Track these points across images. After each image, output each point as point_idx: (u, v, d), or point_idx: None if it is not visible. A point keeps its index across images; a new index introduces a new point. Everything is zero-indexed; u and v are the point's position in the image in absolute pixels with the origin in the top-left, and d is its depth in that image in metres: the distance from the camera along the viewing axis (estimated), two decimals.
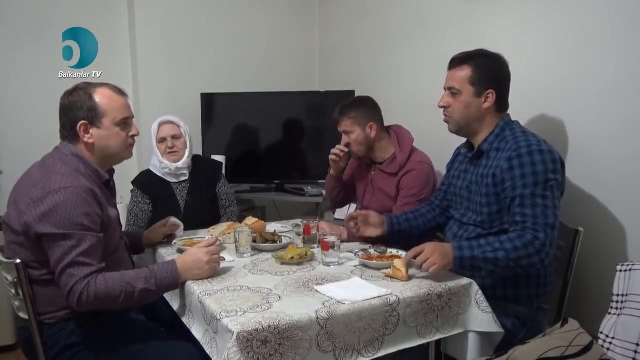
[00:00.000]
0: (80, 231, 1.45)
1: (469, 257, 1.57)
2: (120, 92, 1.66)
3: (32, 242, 1.48)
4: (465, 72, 1.72)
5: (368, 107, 2.27)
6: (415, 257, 1.56)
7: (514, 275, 1.70)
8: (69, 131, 1.60)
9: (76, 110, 1.58)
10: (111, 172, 1.73)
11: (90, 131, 1.59)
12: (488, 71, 1.72)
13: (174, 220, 2.07)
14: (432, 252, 1.54)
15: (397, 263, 1.59)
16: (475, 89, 1.72)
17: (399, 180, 2.20)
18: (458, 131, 1.81)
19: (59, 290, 1.46)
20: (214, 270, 1.62)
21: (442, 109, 1.81)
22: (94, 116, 1.58)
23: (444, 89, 1.80)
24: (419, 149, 2.28)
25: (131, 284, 1.48)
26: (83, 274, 1.43)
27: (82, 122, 1.58)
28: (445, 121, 1.81)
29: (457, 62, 1.75)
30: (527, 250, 1.55)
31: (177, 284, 1.58)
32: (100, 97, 1.60)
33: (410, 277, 1.56)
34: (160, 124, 2.44)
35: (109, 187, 1.70)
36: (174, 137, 2.42)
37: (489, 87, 1.71)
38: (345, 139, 2.27)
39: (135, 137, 1.70)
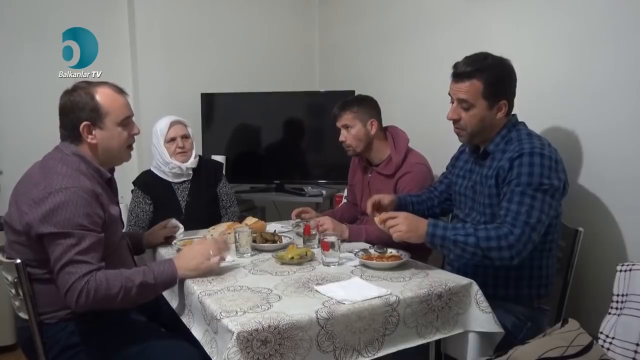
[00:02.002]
0: (80, 231, 1.45)
1: (440, 236, 1.60)
2: (121, 91, 1.66)
3: (34, 242, 1.48)
4: (476, 86, 1.65)
5: (370, 104, 2.27)
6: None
7: (516, 276, 1.70)
8: (70, 132, 1.60)
9: (78, 111, 1.57)
10: (112, 170, 1.73)
11: (94, 132, 1.59)
12: (500, 82, 1.67)
13: (174, 222, 2.08)
14: (403, 221, 1.62)
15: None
16: (488, 102, 1.67)
17: (396, 182, 2.19)
18: (470, 141, 1.79)
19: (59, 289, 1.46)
20: (210, 262, 1.61)
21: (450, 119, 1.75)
22: (96, 117, 1.58)
23: (451, 98, 1.73)
24: (415, 149, 2.27)
25: (130, 279, 1.48)
26: (82, 271, 1.42)
27: (85, 123, 1.58)
28: (457, 133, 1.77)
29: (465, 75, 1.66)
30: (498, 242, 1.55)
31: (176, 277, 1.57)
32: (102, 97, 1.59)
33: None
34: (171, 124, 2.43)
35: (110, 186, 1.70)
36: (183, 137, 2.42)
37: (501, 98, 1.68)
38: (343, 134, 2.27)
39: (135, 137, 1.70)
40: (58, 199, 1.44)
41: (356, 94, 2.80)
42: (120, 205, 2.86)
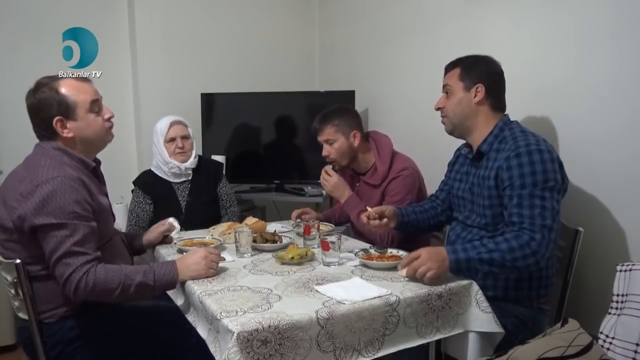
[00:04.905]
0: (72, 220, 1.45)
1: (465, 259, 1.53)
2: (84, 79, 1.67)
3: (26, 238, 1.48)
4: (456, 72, 1.78)
5: (351, 116, 2.24)
6: (410, 263, 1.52)
7: (516, 277, 1.70)
8: (45, 130, 1.59)
9: (47, 107, 1.57)
10: (97, 162, 1.73)
11: (68, 125, 1.59)
12: (475, 67, 1.76)
13: (171, 220, 2.08)
14: (428, 258, 1.50)
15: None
16: (464, 84, 1.75)
17: (384, 190, 2.18)
18: (453, 130, 1.82)
19: (58, 285, 1.46)
20: (211, 268, 1.62)
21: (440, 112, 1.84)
22: (66, 109, 1.58)
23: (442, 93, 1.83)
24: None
25: (129, 277, 1.49)
26: (80, 262, 1.43)
27: (57, 118, 1.57)
28: (442, 122, 1.84)
29: (450, 66, 1.82)
30: (523, 251, 1.54)
31: (175, 282, 1.58)
32: (66, 88, 1.59)
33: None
34: (171, 124, 2.43)
35: (97, 176, 1.70)
36: (183, 138, 2.42)
37: (477, 82, 1.74)
38: (326, 149, 2.23)
39: (112, 119, 1.69)
40: (46, 189, 1.45)
41: (356, 94, 2.80)
42: (121, 205, 2.87)
